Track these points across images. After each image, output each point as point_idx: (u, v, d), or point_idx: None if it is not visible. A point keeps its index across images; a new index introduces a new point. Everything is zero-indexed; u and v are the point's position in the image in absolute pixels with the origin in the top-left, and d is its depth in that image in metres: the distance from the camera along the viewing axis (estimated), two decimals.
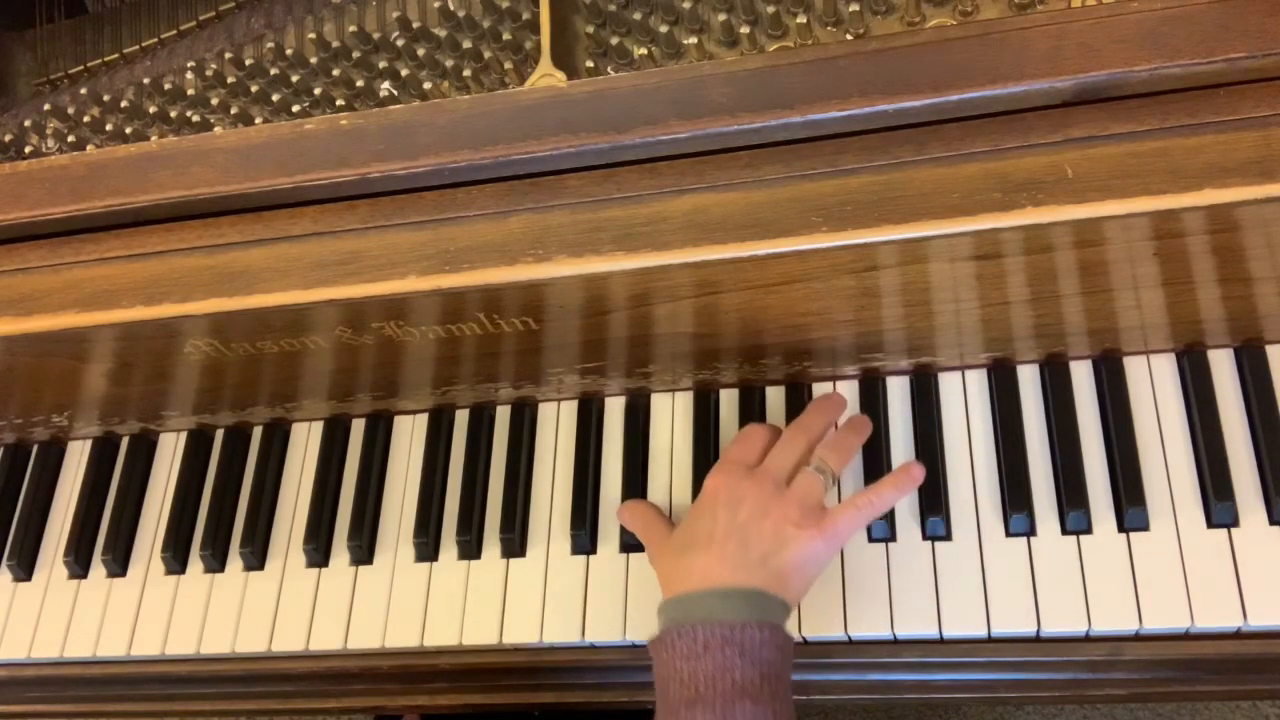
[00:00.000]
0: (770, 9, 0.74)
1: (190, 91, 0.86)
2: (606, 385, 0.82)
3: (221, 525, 0.86)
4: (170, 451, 0.91)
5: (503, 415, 0.85)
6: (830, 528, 0.67)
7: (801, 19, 0.72)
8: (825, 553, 0.67)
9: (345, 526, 0.83)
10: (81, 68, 0.94)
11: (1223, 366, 0.74)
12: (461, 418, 0.86)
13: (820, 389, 0.80)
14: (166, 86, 0.86)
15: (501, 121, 0.67)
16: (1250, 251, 0.64)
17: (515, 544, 0.80)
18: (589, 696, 0.79)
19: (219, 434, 0.91)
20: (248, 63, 0.85)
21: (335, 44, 0.83)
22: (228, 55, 0.86)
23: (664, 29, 0.75)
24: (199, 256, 0.71)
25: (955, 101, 0.61)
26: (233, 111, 0.85)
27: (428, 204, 0.69)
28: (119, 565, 0.87)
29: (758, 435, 0.72)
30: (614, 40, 0.75)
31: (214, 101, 0.85)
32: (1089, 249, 0.63)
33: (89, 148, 0.87)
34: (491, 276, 0.66)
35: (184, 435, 0.91)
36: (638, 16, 0.76)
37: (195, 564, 0.86)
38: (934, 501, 0.74)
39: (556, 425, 0.84)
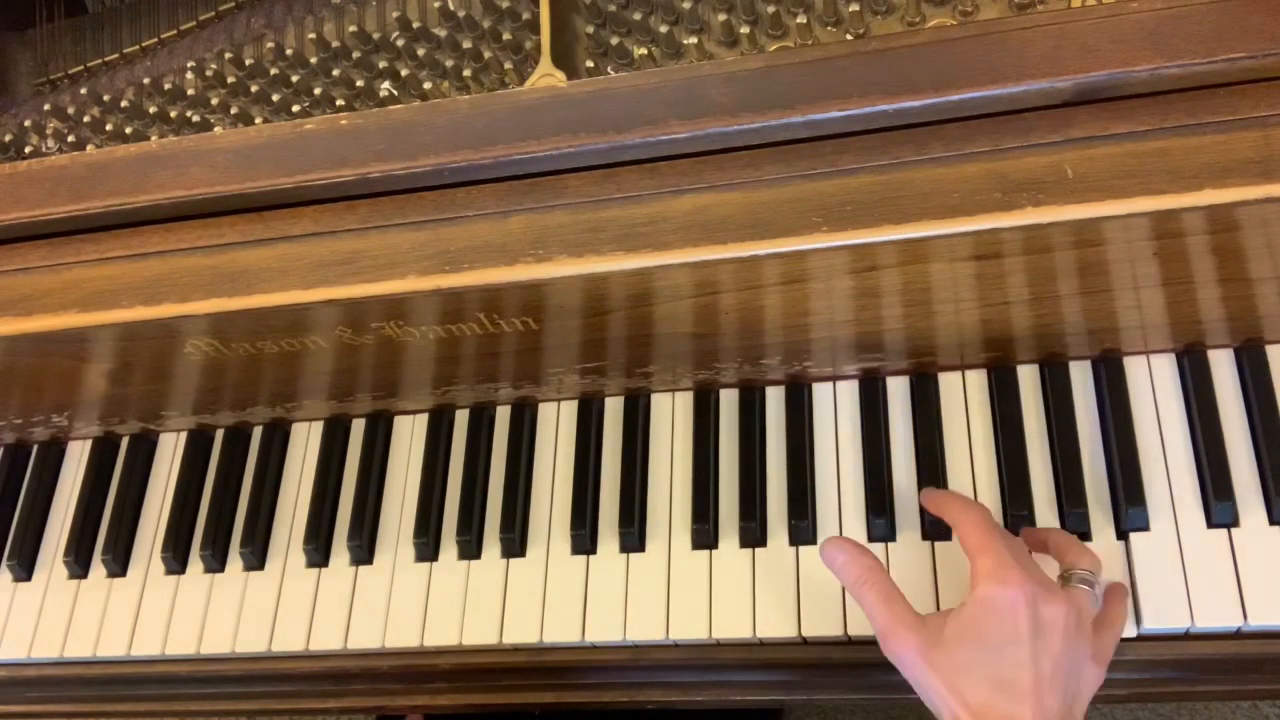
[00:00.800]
0: (770, 9, 0.74)
1: (190, 91, 0.86)
2: (606, 385, 0.82)
3: (221, 525, 0.86)
4: (170, 451, 0.91)
5: (503, 415, 0.85)
6: (1107, 658, 0.63)
7: (801, 19, 0.72)
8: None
9: (345, 526, 0.83)
10: (81, 68, 0.94)
11: (1223, 366, 0.74)
12: (461, 418, 0.86)
13: (820, 389, 0.80)
14: (166, 86, 0.86)
15: (501, 121, 0.67)
16: (1250, 251, 0.64)
17: (515, 544, 0.80)
18: (589, 696, 0.79)
19: (219, 434, 0.91)
20: (248, 63, 0.85)
21: (335, 44, 0.83)
22: (228, 55, 0.86)
23: (664, 29, 0.75)
24: (199, 256, 0.71)
25: (955, 101, 0.61)
26: (233, 111, 0.85)
27: (428, 204, 0.69)
28: (119, 565, 0.87)
29: (991, 520, 0.66)
30: (614, 40, 0.75)
31: (214, 101, 0.85)
32: (1089, 249, 0.63)
33: (89, 148, 0.87)
34: (491, 276, 0.66)
35: (184, 435, 0.91)
36: (638, 16, 0.76)
37: (195, 564, 0.86)
38: None
39: (556, 425, 0.84)
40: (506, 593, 0.79)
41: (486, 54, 0.79)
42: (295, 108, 0.83)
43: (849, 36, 0.73)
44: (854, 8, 0.72)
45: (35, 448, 0.94)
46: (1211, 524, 0.70)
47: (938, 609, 0.72)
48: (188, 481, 0.89)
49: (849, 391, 0.80)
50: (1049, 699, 0.59)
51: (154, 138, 0.86)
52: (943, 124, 0.63)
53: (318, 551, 0.83)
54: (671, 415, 0.82)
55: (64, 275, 0.72)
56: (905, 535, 0.74)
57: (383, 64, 0.82)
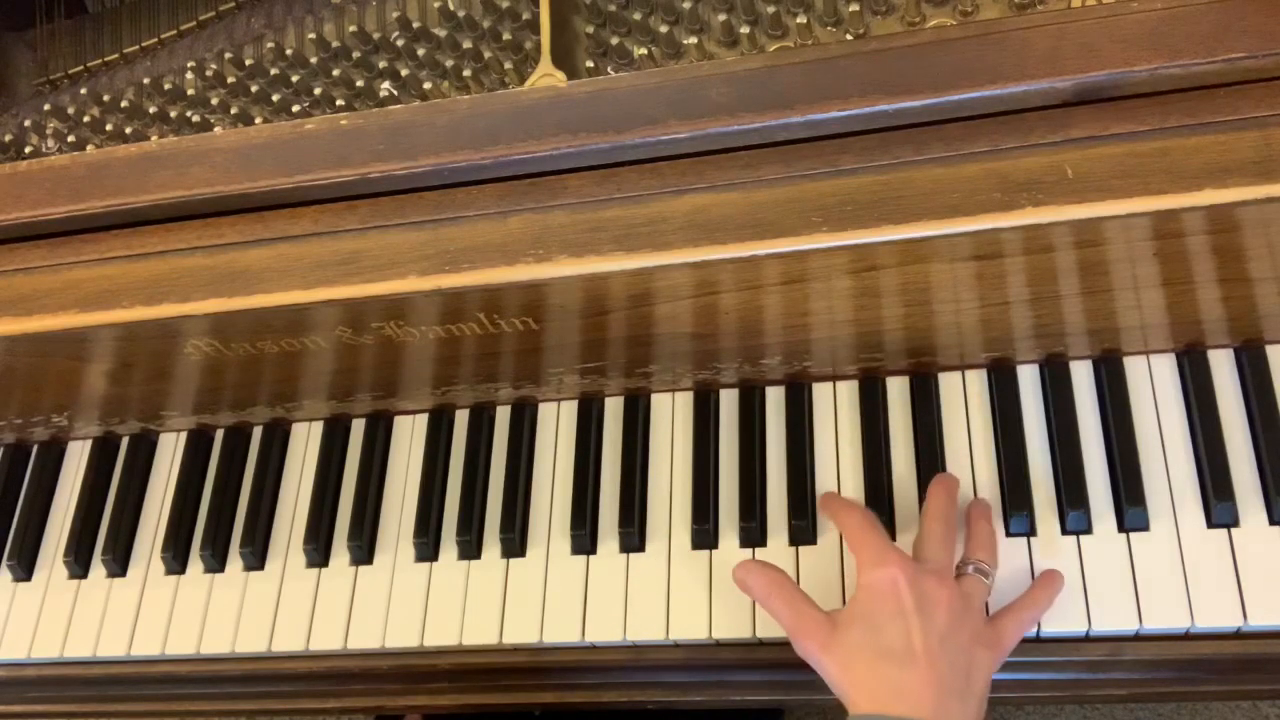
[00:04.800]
0: (770, 9, 0.74)
1: (190, 91, 0.86)
2: (606, 385, 0.82)
3: (221, 525, 0.86)
4: (170, 451, 0.91)
5: (503, 415, 0.85)
6: (1005, 645, 0.65)
7: (801, 19, 0.72)
8: (996, 671, 0.65)
9: (345, 526, 0.83)
10: (81, 68, 0.94)
11: (1223, 366, 0.74)
12: (461, 418, 0.86)
13: (820, 389, 0.80)
14: (166, 86, 0.86)
15: (501, 121, 0.67)
16: (1250, 251, 0.64)
17: (515, 544, 0.80)
18: (589, 696, 0.79)
19: (219, 434, 0.91)
20: (248, 63, 0.85)
21: (335, 44, 0.83)
22: (228, 55, 0.86)
23: (664, 29, 0.75)
24: (199, 256, 0.71)
25: (955, 101, 0.61)
26: (233, 111, 0.85)
27: (428, 204, 0.69)
28: (119, 565, 0.87)
29: (873, 516, 0.69)
30: (614, 40, 0.75)
31: (214, 101, 0.85)
32: (1089, 249, 0.63)
33: (89, 148, 0.87)
34: (491, 276, 0.66)
35: (184, 435, 0.91)
36: (638, 16, 0.76)
37: (195, 564, 0.86)
38: None
39: (556, 425, 0.84)
40: (506, 593, 0.79)
41: (486, 54, 0.79)
42: (295, 108, 0.83)
43: (849, 36, 0.73)
44: (854, 8, 0.72)
45: (35, 448, 0.94)
46: (1211, 524, 0.70)
47: None
48: (188, 481, 0.88)
49: (849, 391, 0.79)
50: (940, 665, 0.60)
51: (154, 138, 0.86)
52: (943, 124, 0.63)
53: (318, 551, 0.83)
54: (671, 415, 0.82)
55: (64, 275, 0.72)
56: (905, 535, 0.74)
57: (383, 64, 0.82)
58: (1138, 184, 0.59)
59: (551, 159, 0.66)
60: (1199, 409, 0.73)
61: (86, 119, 0.87)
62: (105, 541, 0.88)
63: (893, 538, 0.74)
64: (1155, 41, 0.59)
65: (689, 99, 0.64)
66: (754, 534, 0.76)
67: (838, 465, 0.77)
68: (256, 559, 0.84)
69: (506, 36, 0.79)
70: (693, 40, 0.74)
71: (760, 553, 0.76)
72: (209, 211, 0.72)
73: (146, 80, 0.87)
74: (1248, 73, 0.60)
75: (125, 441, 0.92)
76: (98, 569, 0.87)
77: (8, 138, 0.90)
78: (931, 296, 0.69)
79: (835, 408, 0.79)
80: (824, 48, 0.64)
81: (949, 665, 0.61)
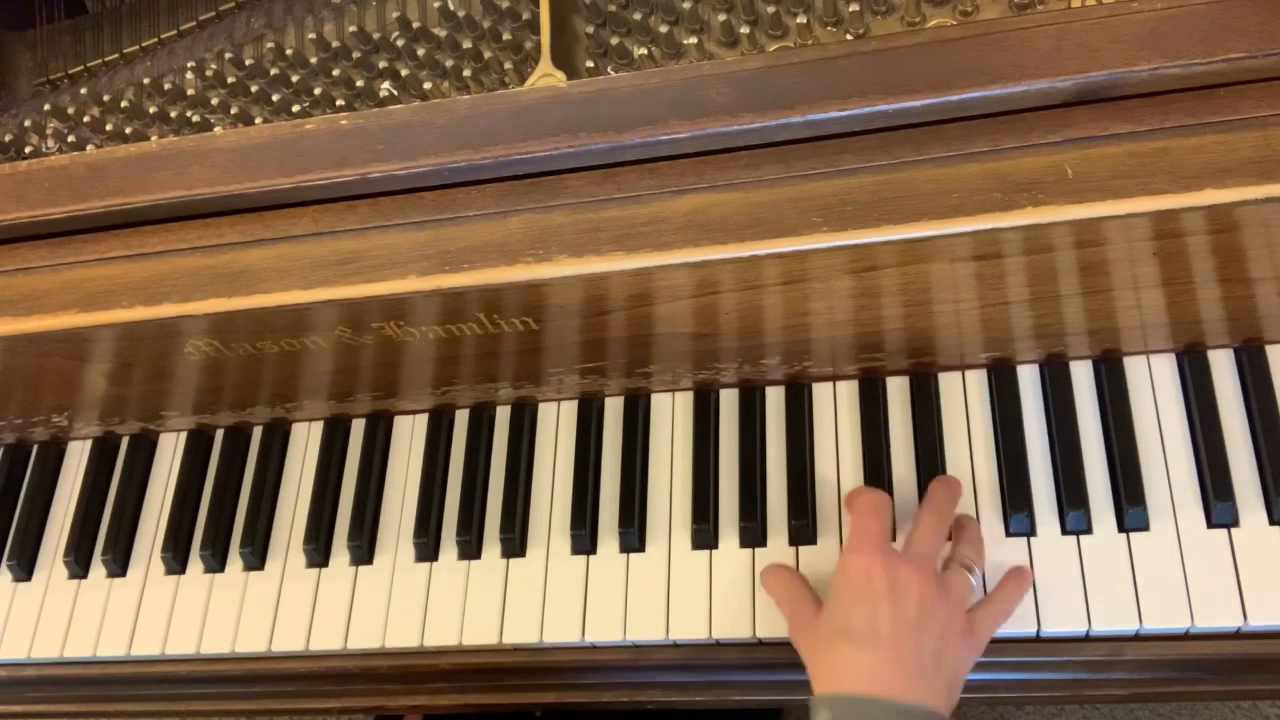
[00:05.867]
0: (770, 9, 0.74)
1: (190, 91, 0.86)
2: (606, 385, 0.82)
3: (221, 525, 0.86)
4: (170, 451, 0.91)
5: (503, 415, 0.85)
6: (981, 637, 0.65)
7: (801, 19, 0.72)
8: (973, 663, 0.65)
9: (345, 526, 0.83)
10: (81, 68, 0.94)
11: (1223, 366, 0.74)
12: (461, 418, 0.86)
13: (820, 389, 0.80)
14: (166, 86, 0.86)
15: (501, 121, 0.67)
16: (1250, 251, 0.64)
17: (515, 544, 0.80)
18: (589, 696, 0.79)
19: (219, 434, 0.91)
20: (248, 63, 0.85)
21: (335, 44, 0.83)
22: (228, 55, 0.86)
23: (664, 29, 0.75)
24: (199, 256, 0.71)
25: (955, 101, 0.61)
26: (233, 111, 0.85)
27: (428, 204, 0.69)
28: (119, 565, 0.87)
29: (883, 505, 0.69)
30: (614, 40, 0.75)
31: (214, 101, 0.85)
32: (1089, 249, 0.63)
33: (89, 148, 0.87)
34: (491, 276, 0.66)
35: (184, 435, 0.91)
36: (638, 16, 0.76)
37: (195, 564, 0.86)
38: None
39: (556, 425, 0.84)
40: (506, 593, 0.79)
41: (486, 54, 0.79)
42: (295, 108, 0.83)
43: (849, 36, 0.73)
44: (854, 8, 0.72)
45: (35, 448, 0.94)
46: (1211, 524, 0.70)
47: None
48: (188, 481, 0.88)
49: (849, 391, 0.79)
50: (904, 648, 0.61)
51: (154, 138, 0.86)
52: (943, 124, 0.63)
53: (318, 551, 0.83)
54: (671, 415, 0.82)
55: (64, 275, 0.72)
56: (904, 535, 0.74)
57: (383, 64, 0.82)
58: (1138, 184, 0.59)
59: (551, 159, 0.66)
60: (1199, 409, 0.73)
61: (86, 119, 0.87)
62: (105, 541, 0.88)
63: (892, 537, 0.74)
64: (1155, 41, 0.59)
65: (689, 99, 0.64)
66: (754, 534, 0.76)
67: (838, 465, 0.77)
68: (256, 559, 0.84)
69: (506, 36, 0.79)
70: (693, 40, 0.74)
71: (760, 553, 0.76)
72: (209, 211, 0.72)
73: (146, 80, 0.87)
74: (1248, 73, 0.60)
75: (125, 441, 0.92)
76: (98, 569, 0.87)
77: (8, 138, 0.90)
78: (931, 296, 0.69)
79: (835, 408, 0.79)
80: (824, 48, 0.64)
81: (914, 649, 0.61)
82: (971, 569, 0.68)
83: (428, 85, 0.80)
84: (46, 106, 0.90)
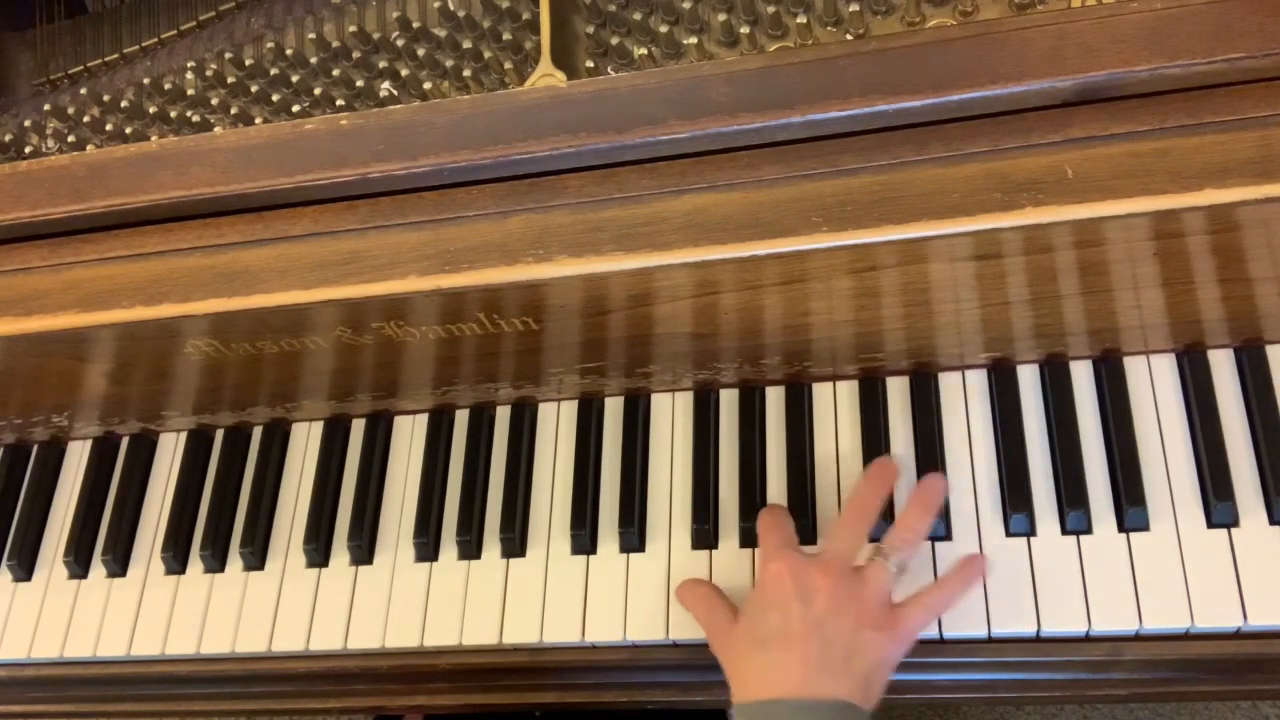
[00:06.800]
0: (770, 9, 0.74)
1: (190, 91, 0.86)
2: (606, 385, 0.82)
3: (221, 525, 0.86)
4: (170, 451, 0.91)
5: (503, 415, 0.85)
6: (905, 629, 0.65)
7: (801, 19, 0.72)
8: (897, 656, 0.65)
9: (345, 526, 0.83)
10: (81, 68, 0.94)
11: (1223, 366, 0.74)
12: (461, 418, 0.86)
13: (820, 389, 0.80)
14: (166, 86, 0.86)
15: (501, 121, 0.67)
16: (1250, 251, 0.64)
17: (515, 544, 0.80)
18: (589, 696, 0.79)
19: (219, 434, 0.91)
20: (248, 63, 0.85)
21: (335, 44, 0.83)
22: (228, 55, 0.86)
23: (664, 29, 0.75)
24: (199, 256, 0.71)
25: (955, 101, 0.61)
26: (233, 111, 0.85)
27: (428, 204, 0.69)
28: (119, 565, 0.87)
29: (780, 517, 0.71)
30: (614, 40, 0.75)
31: (214, 101, 0.85)
32: (1089, 249, 0.63)
33: (89, 148, 0.87)
34: (491, 276, 0.66)
35: (184, 435, 0.91)
36: (638, 16, 0.76)
37: (195, 564, 0.86)
38: None
39: (556, 425, 0.84)
40: (506, 593, 0.79)
41: (486, 54, 0.79)
42: (295, 108, 0.83)
43: (849, 36, 0.73)
44: (854, 8, 0.72)
45: (35, 448, 0.94)
46: (1211, 524, 0.70)
47: None
48: (188, 481, 0.89)
49: (849, 391, 0.79)
50: (810, 644, 0.62)
51: (154, 138, 0.86)
52: (943, 124, 0.63)
53: (318, 551, 0.83)
54: (671, 415, 0.82)
55: (64, 275, 0.72)
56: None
57: (383, 64, 0.82)
58: (1138, 184, 0.59)
59: (551, 159, 0.66)
60: (1199, 409, 0.73)
61: (86, 119, 0.87)
62: (105, 541, 0.88)
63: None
64: (1155, 41, 0.59)
65: (689, 99, 0.64)
66: (754, 534, 0.76)
67: (838, 465, 0.77)
68: (256, 559, 0.84)
69: (506, 36, 0.79)
70: (693, 40, 0.74)
71: (760, 553, 0.76)
72: (209, 211, 0.72)
73: (146, 80, 0.87)
74: (1248, 73, 0.59)
75: (125, 441, 0.92)
76: (98, 569, 0.87)
77: (8, 138, 0.90)
78: (931, 296, 0.69)
79: (835, 408, 0.79)
80: (824, 48, 0.64)
81: (821, 644, 0.62)
82: (889, 558, 0.66)
83: (428, 85, 0.80)
84: (46, 106, 0.90)
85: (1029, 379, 0.77)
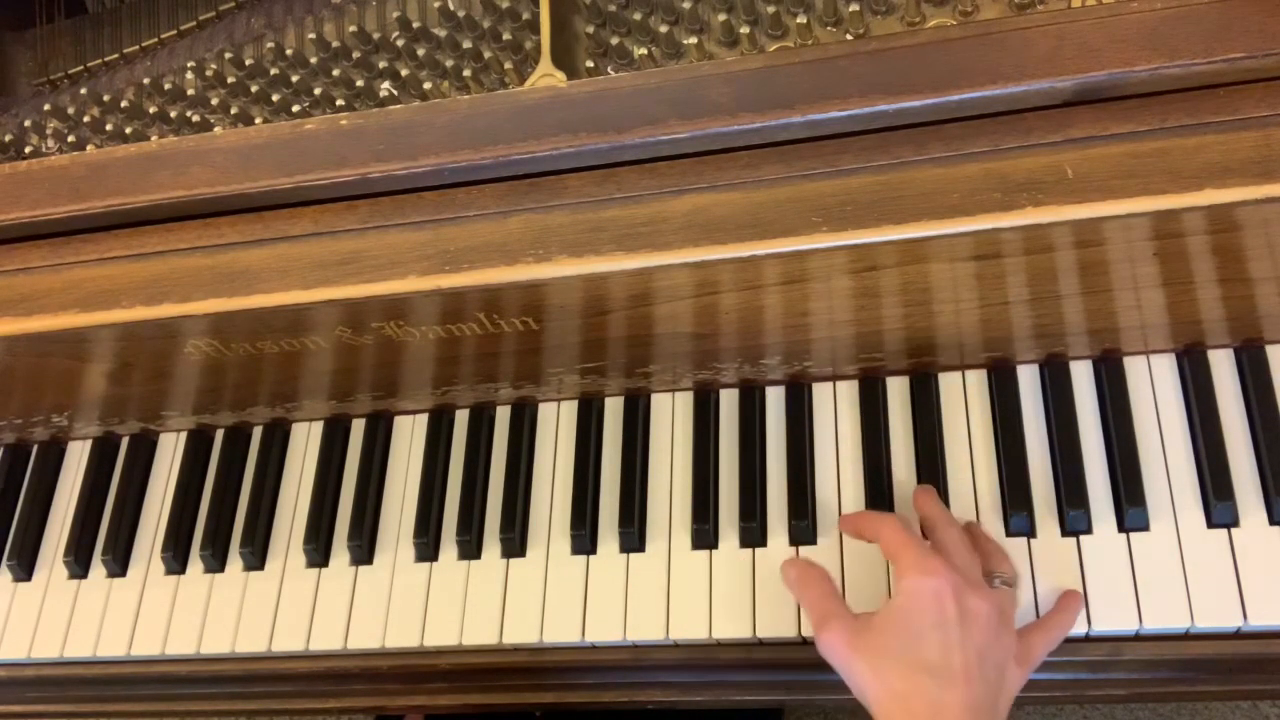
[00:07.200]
0: (770, 9, 0.74)
1: (190, 91, 0.86)
2: (606, 385, 0.82)
3: (221, 525, 0.86)
4: (170, 451, 0.91)
5: (503, 415, 0.85)
6: (1033, 660, 0.64)
7: (801, 19, 0.72)
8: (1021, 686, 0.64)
9: (345, 526, 0.83)
10: (81, 68, 0.94)
11: (1223, 366, 0.74)
12: (461, 418, 0.86)
13: (820, 389, 0.80)
14: (166, 86, 0.86)
15: (501, 121, 0.67)
16: (1250, 251, 0.64)
17: (515, 544, 0.80)
18: (589, 696, 0.79)
19: (219, 434, 0.91)
20: (248, 63, 0.85)
21: (335, 44, 0.83)
22: (228, 55, 0.86)
23: (664, 29, 0.75)
24: (199, 256, 0.71)
25: (955, 101, 0.61)
26: (233, 111, 0.85)
27: (428, 204, 0.69)
28: (119, 565, 0.87)
29: (908, 523, 0.68)
30: (614, 40, 0.75)
31: (214, 101, 0.85)
32: (1089, 249, 0.63)
33: (89, 148, 0.87)
34: (491, 276, 0.66)
35: (184, 435, 0.91)
36: (638, 16, 0.76)
37: (195, 564, 0.86)
38: None
39: (556, 425, 0.84)
40: (506, 593, 0.79)
41: (486, 54, 0.79)
42: (295, 108, 0.83)
43: (849, 36, 0.73)
44: (854, 8, 0.72)
45: (35, 448, 0.94)
46: (1211, 524, 0.70)
47: None
48: (188, 481, 0.88)
49: (849, 391, 0.79)
50: (976, 686, 0.59)
51: (154, 138, 0.86)
52: (943, 124, 0.63)
53: (318, 551, 0.83)
54: (671, 415, 0.82)
55: (64, 275, 0.72)
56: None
57: (383, 64, 0.82)
58: (1138, 184, 0.59)
59: (551, 159, 0.66)
60: (1199, 409, 0.73)
61: (86, 119, 0.87)
62: (105, 541, 0.88)
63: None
64: (1155, 41, 0.59)
65: (689, 99, 0.64)
66: (754, 534, 0.76)
67: (838, 465, 0.77)
68: (256, 559, 0.84)
69: (506, 36, 0.79)
70: (693, 40, 0.74)
71: (760, 553, 0.76)
72: (209, 211, 0.72)
73: (146, 80, 0.87)
74: (1248, 73, 0.59)
75: (125, 441, 0.92)
76: (98, 569, 0.87)
77: (8, 138, 0.90)
78: (931, 296, 0.69)
79: (835, 408, 0.79)
80: (824, 48, 0.64)
81: (984, 684, 0.60)
82: (1012, 585, 0.67)
83: (428, 85, 0.80)
84: (46, 106, 0.90)
85: (1029, 379, 0.77)
